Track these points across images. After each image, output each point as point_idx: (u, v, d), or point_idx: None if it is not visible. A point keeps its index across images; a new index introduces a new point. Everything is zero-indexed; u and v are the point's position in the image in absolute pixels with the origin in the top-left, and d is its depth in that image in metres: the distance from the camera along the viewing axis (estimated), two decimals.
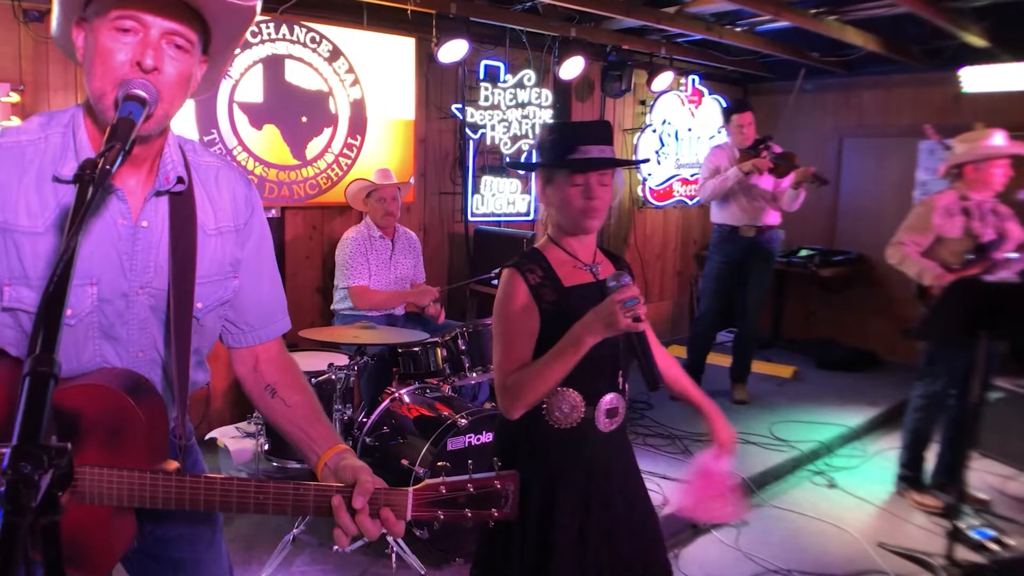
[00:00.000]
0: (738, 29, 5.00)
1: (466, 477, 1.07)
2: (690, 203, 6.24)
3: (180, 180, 1.15)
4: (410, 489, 1.06)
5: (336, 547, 1.13)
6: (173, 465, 1.08)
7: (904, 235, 3.39)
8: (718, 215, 4.63)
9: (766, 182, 4.41)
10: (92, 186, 0.88)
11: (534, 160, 1.70)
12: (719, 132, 6.23)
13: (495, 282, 3.94)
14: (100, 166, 0.89)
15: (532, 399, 1.55)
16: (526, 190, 5.07)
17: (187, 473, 1.07)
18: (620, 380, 1.67)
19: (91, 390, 1.06)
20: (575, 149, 1.59)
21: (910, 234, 3.38)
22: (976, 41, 4.57)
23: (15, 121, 3.30)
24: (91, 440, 1.04)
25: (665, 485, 3.48)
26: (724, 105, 6.28)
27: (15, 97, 3.30)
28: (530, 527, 1.60)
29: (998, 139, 3.23)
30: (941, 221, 3.29)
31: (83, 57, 1.05)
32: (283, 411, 1.27)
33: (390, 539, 2.72)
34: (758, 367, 5.36)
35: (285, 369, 1.34)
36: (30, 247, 1.04)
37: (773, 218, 4.54)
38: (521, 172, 5.01)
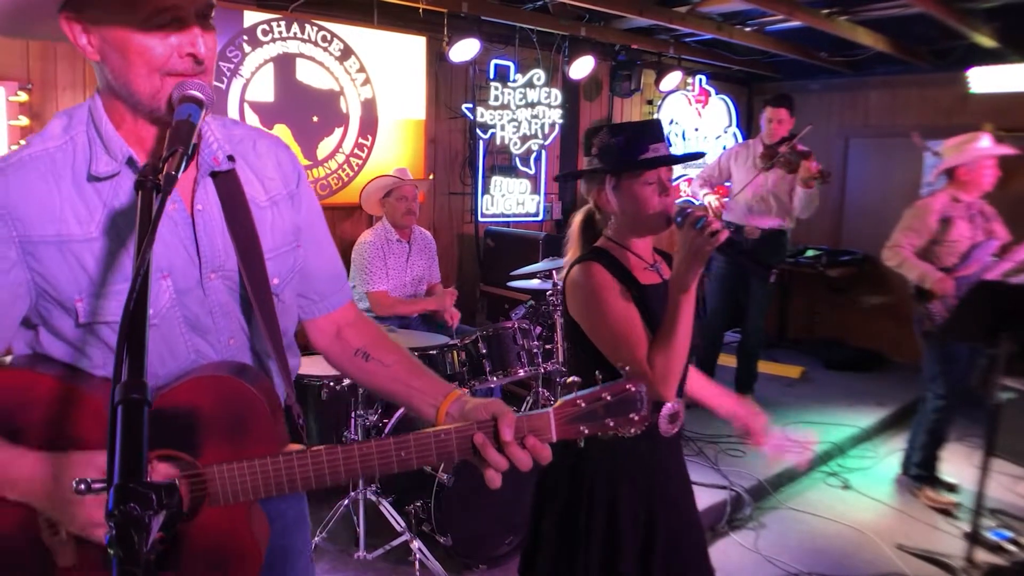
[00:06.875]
0: (747, 29, 4.98)
1: (599, 387, 1.04)
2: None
3: (230, 158, 1.11)
4: (550, 409, 1.03)
5: (491, 486, 1.09)
6: (297, 447, 1.02)
7: (901, 238, 3.44)
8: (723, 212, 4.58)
9: (775, 184, 4.36)
10: (159, 192, 0.83)
11: (598, 165, 1.64)
12: (724, 132, 6.22)
13: (507, 284, 3.98)
14: (165, 171, 0.84)
15: (678, 368, 1.52)
16: (535, 191, 5.04)
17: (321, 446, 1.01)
18: (679, 384, 1.65)
19: (202, 383, 1.01)
20: (647, 148, 1.58)
21: (907, 236, 3.42)
22: (986, 42, 4.57)
23: (23, 120, 3.25)
24: (213, 436, 0.99)
25: None
26: (732, 104, 6.28)
27: (23, 96, 3.24)
28: (596, 530, 1.59)
29: (985, 142, 3.34)
30: (937, 224, 3.36)
31: (104, 56, 0.98)
32: (383, 372, 1.24)
33: (413, 546, 2.70)
34: (765, 367, 5.35)
35: (370, 331, 1.31)
36: (89, 254, 1.00)
37: (779, 221, 4.43)
38: (532, 172, 4.98)
